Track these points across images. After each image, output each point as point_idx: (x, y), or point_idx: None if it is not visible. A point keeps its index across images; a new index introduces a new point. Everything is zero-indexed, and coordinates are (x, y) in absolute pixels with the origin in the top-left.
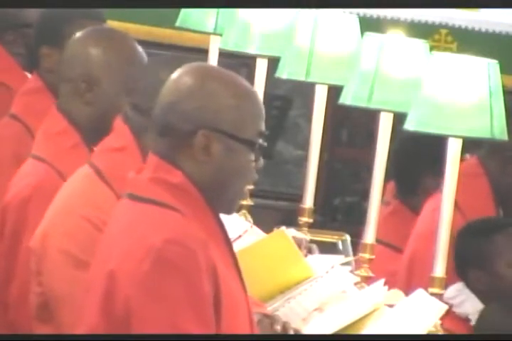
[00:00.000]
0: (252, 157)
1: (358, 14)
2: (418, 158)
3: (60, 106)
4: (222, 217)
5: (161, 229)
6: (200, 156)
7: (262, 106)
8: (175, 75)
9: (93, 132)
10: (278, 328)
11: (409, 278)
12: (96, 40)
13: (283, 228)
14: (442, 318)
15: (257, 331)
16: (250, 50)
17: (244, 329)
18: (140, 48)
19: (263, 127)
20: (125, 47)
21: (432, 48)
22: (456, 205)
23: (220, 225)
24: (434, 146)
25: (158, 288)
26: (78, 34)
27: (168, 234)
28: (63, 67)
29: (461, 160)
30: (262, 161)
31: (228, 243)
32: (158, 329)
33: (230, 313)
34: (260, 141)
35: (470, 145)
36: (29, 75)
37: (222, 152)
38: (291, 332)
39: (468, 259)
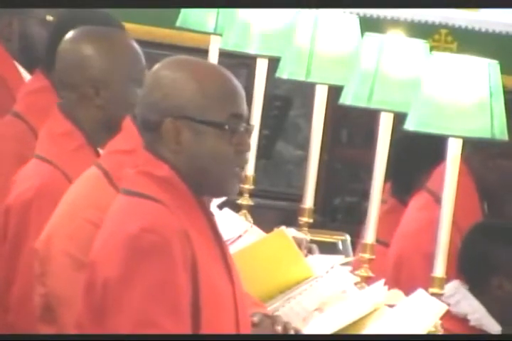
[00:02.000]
0: (228, 140)
1: (358, 14)
2: (414, 157)
3: (63, 107)
4: (223, 216)
5: (138, 219)
6: (172, 145)
7: (235, 89)
8: (152, 69)
9: (101, 133)
10: (279, 329)
11: (397, 278)
12: (89, 42)
13: (283, 227)
14: (441, 318)
15: (247, 325)
16: (250, 50)
17: (227, 322)
18: (131, 40)
19: (239, 109)
20: (120, 45)
21: (431, 48)
22: (439, 200)
23: (208, 218)
24: (429, 144)
25: (131, 274)
26: (67, 39)
27: (145, 223)
28: (62, 74)
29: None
30: (246, 144)
31: (216, 235)
32: (129, 316)
33: (211, 306)
34: (237, 122)
35: None
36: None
37: (192, 138)
38: (292, 333)
39: (494, 265)
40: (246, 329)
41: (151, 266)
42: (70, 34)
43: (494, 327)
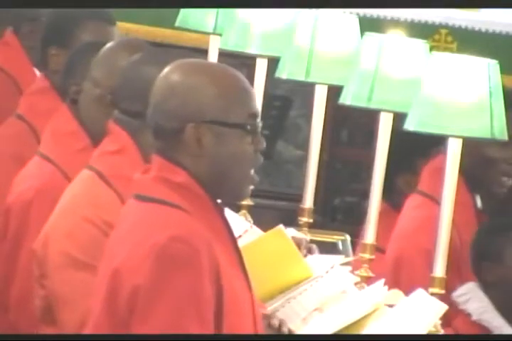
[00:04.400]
0: (248, 140)
1: (358, 14)
2: (391, 157)
3: (72, 106)
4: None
5: (165, 227)
6: (194, 150)
7: (249, 88)
8: (161, 75)
9: (102, 138)
10: (275, 323)
11: (396, 278)
12: (131, 57)
13: (280, 226)
14: (454, 318)
15: (262, 329)
16: (250, 50)
17: (247, 330)
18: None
19: (254, 108)
20: (156, 69)
21: (431, 48)
22: (434, 200)
23: (226, 224)
24: (407, 144)
25: (160, 283)
26: (117, 43)
27: (173, 232)
28: (95, 69)
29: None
30: (263, 143)
31: (234, 242)
32: (159, 325)
33: (233, 313)
34: (254, 121)
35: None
36: (37, 71)
37: (214, 141)
38: (286, 330)
39: (483, 253)
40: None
41: (180, 275)
42: (125, 41)
43: (494, 322)
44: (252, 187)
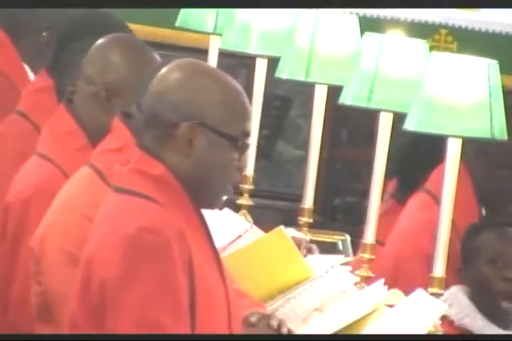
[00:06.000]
0: (235, 155)
1: (358, 14)
2: (420, 158)
3: (69, 105)
4: (222, 216)
5: (136, 218)
6: (182, 149)
7: (249, 107)
8: (166, 68)
9: (101, 135)
10: (274, 324)
11: (395, 279)
12: (122, 52)
13: (281, 227)
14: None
15: (238, 326)
16: (250, 50)
17: (221, 324)
18: (158, 59)
19: (248, 128)
20: (148, 61)
21: (431, 48)
22: (438, 202)
23: (201, 218)
24: (436, 146)
25: (130, 274)
26: (106, 39)
27: (142, 223)
28: (88, 67)
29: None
30: (246, 163)
31: (209, 236)
32: (130, 316)
33: (206, 306)
34: (245, 140)
35: None
36: (28, 69)
37: (205, 146)
38: (285, 330)
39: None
40: (237, 331)
41: (150, 265)
42: (113, 36)
43: (475, 326)
44: (225, 197)
